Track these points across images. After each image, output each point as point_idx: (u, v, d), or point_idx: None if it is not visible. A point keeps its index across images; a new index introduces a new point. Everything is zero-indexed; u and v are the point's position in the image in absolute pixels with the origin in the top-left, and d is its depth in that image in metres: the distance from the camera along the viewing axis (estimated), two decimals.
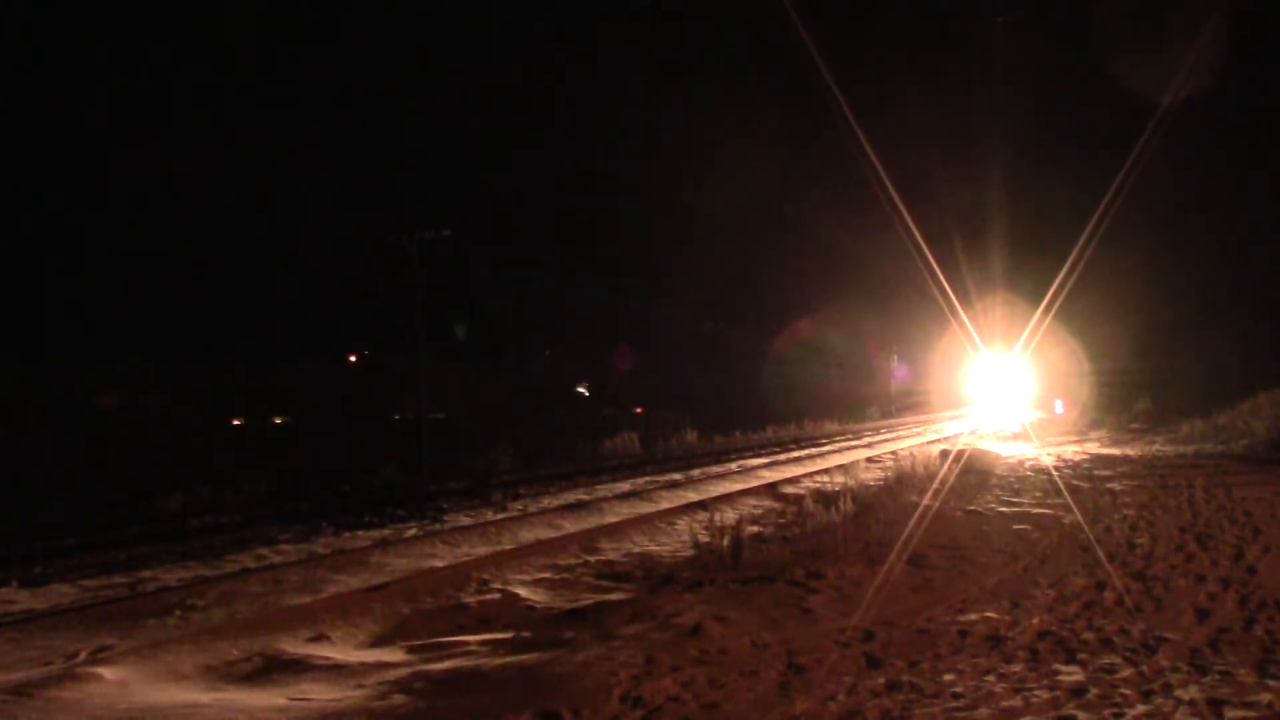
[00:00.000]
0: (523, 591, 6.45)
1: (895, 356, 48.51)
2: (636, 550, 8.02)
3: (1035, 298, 27.92)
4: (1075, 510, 9.47)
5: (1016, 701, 3.94)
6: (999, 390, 39.78)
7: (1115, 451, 17.62)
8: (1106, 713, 3.80)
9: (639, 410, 35.02)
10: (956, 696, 4.03)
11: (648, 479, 14.43)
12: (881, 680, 4.27)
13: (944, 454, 14.85)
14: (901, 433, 29.47)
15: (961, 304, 33.43)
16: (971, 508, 9.66)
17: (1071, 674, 4.28)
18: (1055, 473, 13.36)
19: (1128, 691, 4.04)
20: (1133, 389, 30.85)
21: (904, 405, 46.22)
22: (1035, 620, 5.24)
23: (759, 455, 19.36)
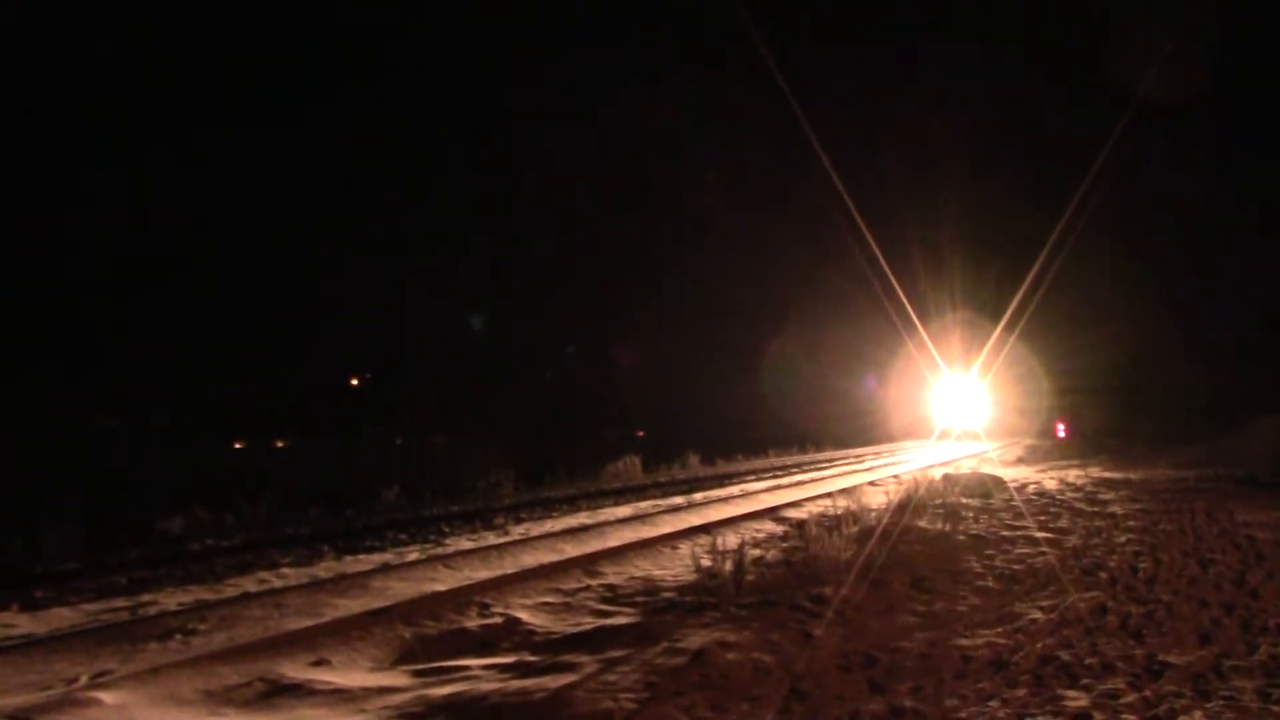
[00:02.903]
0: (525, 616, 6.44)
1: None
2: (639, 574, 8.00)
3: (1031, 319, 27.94)
4: (1078, 534, 9.45)
5: None
6: (994, 416, 39.51)
7: (1117, 475, 17.58)
8: None
9: (641, 433, 35.06)
10: None
11: (651, 503, 14.41)
12: (884, 705, 4.26)
13: (946, 477, 14.82)
14: (901, 456, 29.41)
15: (946, 328, 33.40)
16: (974, 531, 9.64)
17: (1075, 699, 4.27)
18: (1058, 496, 13.34)
19: (1131, 717, 4.03)
20: (1135, 411, 30.84)
21: (900, 429, 45.98)
22: (1038, 644, 5.23)
23: (761, 479, 19.31)
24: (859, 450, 33.50)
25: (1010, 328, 26.87)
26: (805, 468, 23.25)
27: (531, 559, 8.91)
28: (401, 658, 5.65)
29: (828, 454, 30.46)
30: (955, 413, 37.22)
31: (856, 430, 41.98)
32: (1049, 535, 9.37)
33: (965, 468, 17.99)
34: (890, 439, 41.60)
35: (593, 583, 7.64)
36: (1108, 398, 31.48)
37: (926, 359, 34.02)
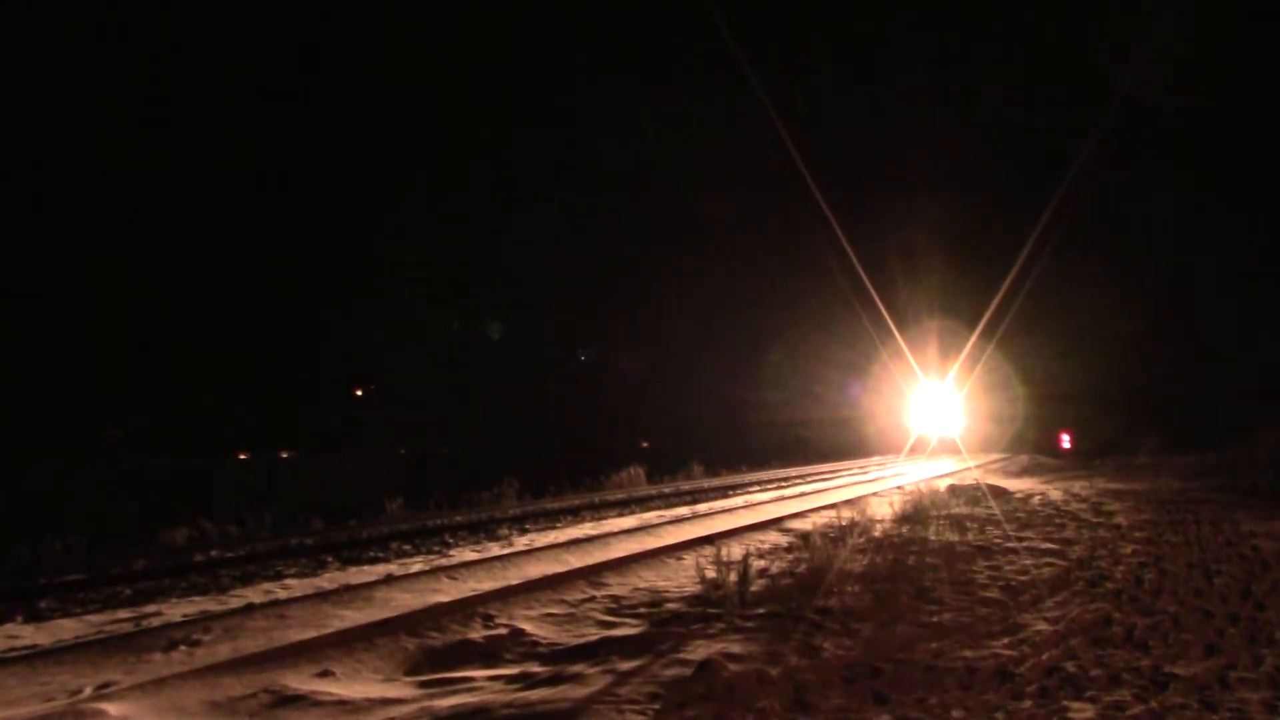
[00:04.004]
0: (529, 627, 6.43)
1: (909, 394, 47.85)
2: (644, 586, 7.99)
3: (1014, 326, 27.75)
4: (1083, 544, 9.42)
5: None
6: (972, 425, 39.14)
7: (1122, 486, 17.52)
8: None
9: (645, 443, 35.09)
10: None
11: (655, 514, 14.40)
12: (889, 717, 4.25)
13: (951, 488, 14.80)
14: (905, 467, 29.34)
15: (925, 337, 33.25)
16: (979, 542, 9.62)
17: (1081, 711, 4.26)
18: (1062, 507, 13.30)
19: None
20: (1136, 420, 30.75)
21: (896, 438, 45.81)
22: (1044, 656, 5.22)
23: (765, 490, 19.29)
24: (862, 460, 33.45)
25: (989, 335, 26.75)
26: (809, 478, 23.22)
27: (536, 570, 8.90)
28: (406, 669, 5.65)
29: (831, 464, 30.42)
30: (937, 422, 36.98)
31: (856, 439, 41.93)
32: (1054, 546, 9.34)
33: (969, 478, 17.96)
34: (892, 449, 41.52)
35: (597, 594, 7.63)
36: (1103, 406, 31.28)
37: (912, 368, 33.92)
